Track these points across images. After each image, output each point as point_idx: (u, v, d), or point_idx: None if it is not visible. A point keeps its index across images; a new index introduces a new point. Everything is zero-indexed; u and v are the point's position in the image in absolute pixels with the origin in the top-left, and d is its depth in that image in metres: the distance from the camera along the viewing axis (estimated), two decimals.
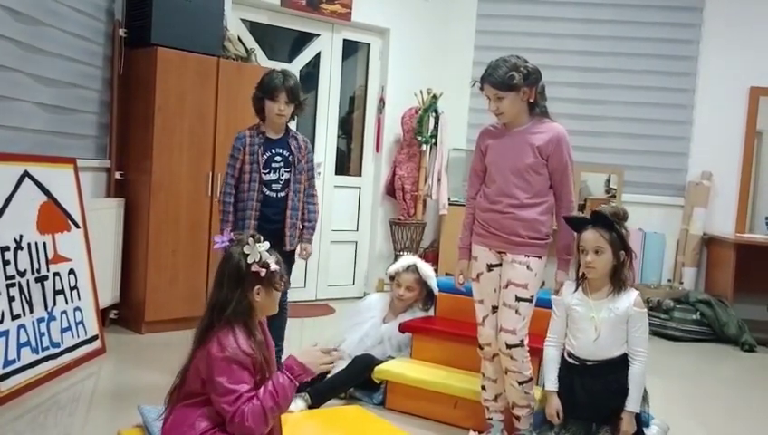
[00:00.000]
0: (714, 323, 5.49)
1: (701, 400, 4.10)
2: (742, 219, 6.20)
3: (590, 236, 2.67)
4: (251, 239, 2.26)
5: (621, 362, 2.69)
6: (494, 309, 2.90)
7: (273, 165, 3.51)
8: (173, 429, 2.22)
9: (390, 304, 3.90)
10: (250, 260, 2.23)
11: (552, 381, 2.78)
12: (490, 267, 2.89)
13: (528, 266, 2.81)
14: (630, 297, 2.69)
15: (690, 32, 6.25)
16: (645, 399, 2.82)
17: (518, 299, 2.81)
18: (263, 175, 3.48)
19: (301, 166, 3.58)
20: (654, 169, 6.31)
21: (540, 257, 2.84)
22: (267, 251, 2.28)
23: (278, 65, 5.45)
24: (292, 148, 3.56)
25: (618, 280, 2.69)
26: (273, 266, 2.26)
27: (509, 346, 2.82)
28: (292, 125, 5.67)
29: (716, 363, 5.04)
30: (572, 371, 2.73)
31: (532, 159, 2.80)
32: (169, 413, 2.27)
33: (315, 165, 5.88)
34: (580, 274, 2.75)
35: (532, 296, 2.83)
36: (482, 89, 2.84)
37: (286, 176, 3.53)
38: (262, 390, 2.17)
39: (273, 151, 3.51)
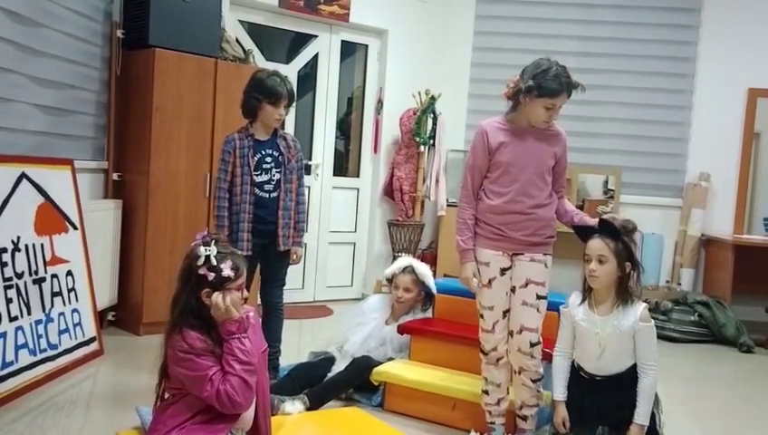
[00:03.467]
0: (712, 325, 5.50)
1: (699, 401, 4.10)
2: (740, 220, 6.20)
3: (595, 245, 2.68)
4: (204, 239, 2.32)
5: (629, 376, 2.67)
6: (505, 313, 2.89)
7: (264, 166, 3.51)
8: (150, 432, 2.33)
9: (392, 307, 3.90)
10: (198, 263, 2.29)
11: (560, 390, 2.79)
12: (503, 271, 2.87)
13: (546, 265, 2.86)
14: (636, 311, 2.66)
15: (688, 33, 6.26)
16: (657, 403, 2.80)
17: (539, 297, 2.83)
18: (254, 177, 3.49)
19: (291, 166, 3.58)
20: (652, 171, 6.32)
21: (551, 255, 2.89)
22: (230, 257, 2.32)
23: (276, 66, 5.44)
24: (281, 148, 3.56)
25: (623, 293, 2.68)
26: (226, 272, 2.29)
27: (532, 345, 2.84)
28: (290, 125, 5.71)
29: (714, 364, 5.05)
30: (582, 384, 2.73)
31: (552, 160, 2.87)
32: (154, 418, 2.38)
33: (313, 166, 5.88)
34: (586, 286, 2.75)
35: (547, 294, 2.87)
36: (560, 96, 2.76)
37: (277, 176, 3.54)
38: (226, 366, 2.25)
39: (263, 153, 3.51)
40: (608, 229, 2.68)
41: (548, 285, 2.88)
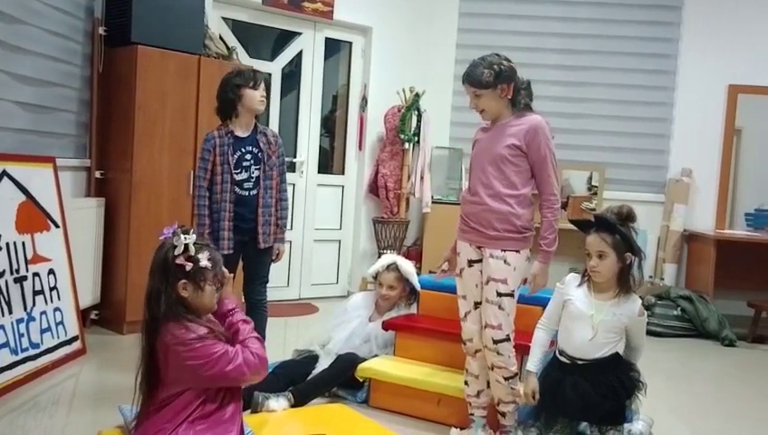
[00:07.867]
0: (694, 319, 5.54)
1: (683, 394, 4.14)
2: (722, 216, 6.26)
3: (593, 241, 2.70)
4: (178, 230, 2.25)
5: (611, 363, 2.71)
6: (477, 305, 2.90)
7: (244, 164, 3.49)
8: None
9: (376, 304, 3.91)
10: (176, 252, 2.22)
11: (533, 362, 2.82)
12: (471, 263, 2.90)
13: (505, 261, 2.80)
14: (634, 306, 2.75)
15: (669, 30, 6.31)
16: (634, 399, 2.83)
17: (499, 294, 2.80)
18: (234, 175, 3.47)
19: (271, 162, 3.56)
20: (635, 167, 6.37)
21: (518, 251, 2.81)
22: (207, 248, 2.26)
23: (260, 64, 5.44)
24: (261, 144, 3.54)
25: (624, 283, 2.72)
26: (204, 263, 2.23)
27: (495, 341, 2.82)
28: (275, 122, 5.70)
29: (697, 359, 5.09)
30: (563, 369, 2.76)
31: (508, 149, 2.79)
32: (141, 421, 2.26)
33: (298, 163, 5.86)
34: (587, 272, 2.78)
35: (513, 291, 2.82)
36: (464, 85, 2.90)
37: (257, 174, 3.52)
38: (242, 334, 2.28)
39: (243, 150, 3.49)
40: (603, 224, 2.70)
41: (514, 280, 2.79)
